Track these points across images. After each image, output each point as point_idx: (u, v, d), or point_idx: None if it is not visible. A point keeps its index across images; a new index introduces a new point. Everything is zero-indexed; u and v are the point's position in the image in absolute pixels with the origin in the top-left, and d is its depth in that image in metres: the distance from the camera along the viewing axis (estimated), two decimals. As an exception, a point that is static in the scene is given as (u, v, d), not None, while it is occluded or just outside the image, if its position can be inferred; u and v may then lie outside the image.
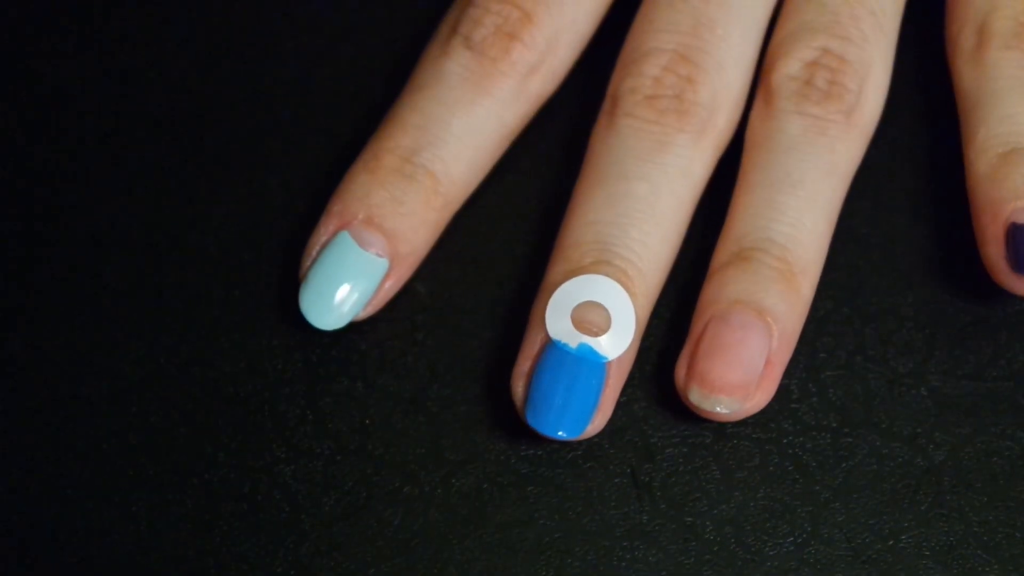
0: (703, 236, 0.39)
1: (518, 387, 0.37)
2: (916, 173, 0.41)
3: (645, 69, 0.39)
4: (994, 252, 0.38)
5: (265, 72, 0.43)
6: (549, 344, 0.36)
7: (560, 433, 0.36)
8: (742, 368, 0.36)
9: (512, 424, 0.37)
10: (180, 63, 0.43)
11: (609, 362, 0.36)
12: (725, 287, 0.37)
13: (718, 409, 0.36)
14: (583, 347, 0.36)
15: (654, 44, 0.39)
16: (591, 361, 0.36)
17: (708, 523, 0.37)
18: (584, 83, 0.42)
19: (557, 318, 0.36)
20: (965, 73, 0.40)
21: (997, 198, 0.38)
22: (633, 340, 0.37)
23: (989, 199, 0.38)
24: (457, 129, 0.39)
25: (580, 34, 0.40)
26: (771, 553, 0.36)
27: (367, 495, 0.37)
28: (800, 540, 0.36)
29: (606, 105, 0.39)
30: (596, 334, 0.36)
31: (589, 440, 0.37)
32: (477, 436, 0.38)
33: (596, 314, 0.36)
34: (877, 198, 0.40)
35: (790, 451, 0.37)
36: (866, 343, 0.39)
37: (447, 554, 0.36)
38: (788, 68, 0.39)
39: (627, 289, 0.37)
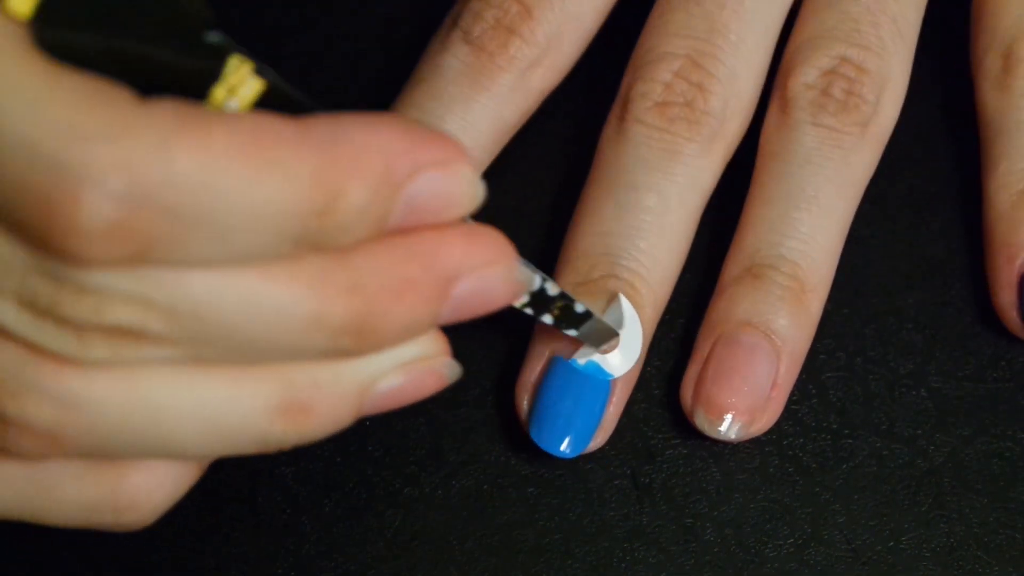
0: (707, 240, 0.39)
1: (523, 400, 0.37)
2: (917, 174, 0.41)
3: (657, 74, 0.38)
4: (1006, 298, 0.38)
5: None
6: (557, 359, 0.36)
7: (563, 450, 0.36)
8: (749, 393, 0.36)
9: (512, 426, 0.37)
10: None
11: (615, 379, 0.36)
12: (734, 306, 0.37)
13: (721, 431, 0.36)
14: (591, 364, 0.36)
15: (667, 48, 0.39)
16: (597, 379, 0.36)
17: (708, 524, 0.37)
18: (585, 81, 0.41)
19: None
20: (990, 98, 0.40)
21: (1014, 241, 0.38)
22: (640, 356, 0.37)
23: (1006, 241, 0.38)
24: (453, 126, 0.38)
25: (584, 29, 0.40)
26: (771, 555, 0.36)
27: (368, 496, 0.37)
28: (800, 541, 0.36)
29: (616, 108, 0.39)
30: (605, 351, 0.36)
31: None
32: (477, 437, 0.38)
33: None
34: (878, 199, 0.40)
35: (790, 452, 0.37)
36: (866, 344, 0.39)
37: (447, 555, 0.36)
38: (805, 76, 0.39)
39: (635, 303, 0.37)
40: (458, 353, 0.38)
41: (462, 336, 0.39)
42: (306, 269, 0.26)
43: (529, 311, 0.33)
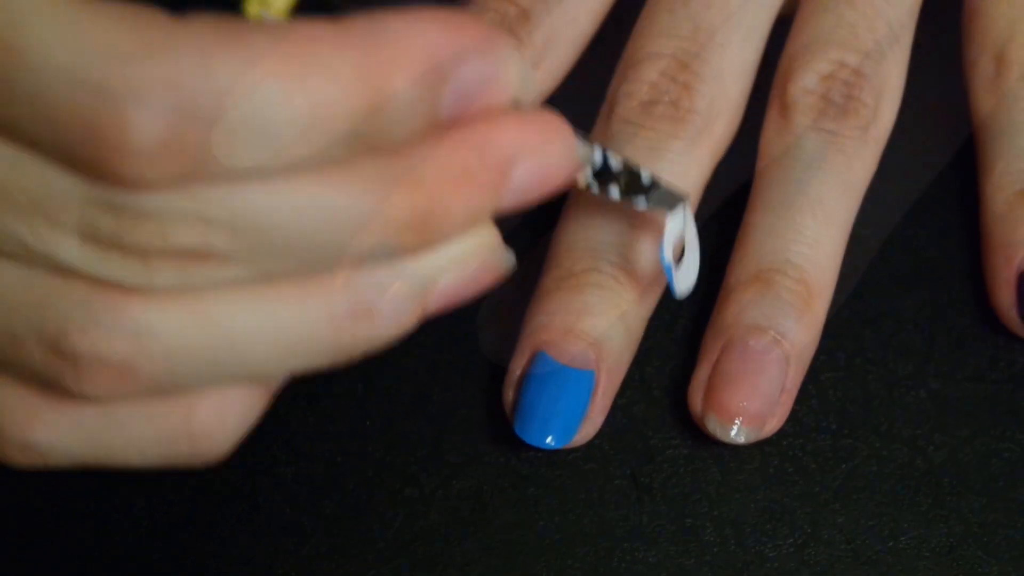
0: (705, 243, 0.39)
1: (508, 395, 0.37)
2: (915, 175, 0.41)
3: (642, 74, 0.39)
4: (1005, 298, 0.38)
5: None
6: (540, 353, 0.36)
7: (548, 441, 0.36)
8: (761, 398, 0.36)
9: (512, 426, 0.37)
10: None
11: (599, 370, 0.36)
12: (744, 310, 0.37)
13: (732, 436, 0.36)
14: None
15: (652, 49, 0.39)
16: (580, 371, 0.36)
17: (708, 524, 0.37)
18: (584, 83, 0.42)
19: None
20: (984, 101, 0.40)
21: (1012, 241, 0.38)
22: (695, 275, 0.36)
23: (1003, 240, 0.38)
24: None
25: (580, 32, 0.40)
26: (771, 555, 0.36)
27: (368, 497, 0.37)
28: (800, 541, 0.37)
29: (604, 109, 0.39)
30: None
31: (590, 442, 0.37)
32: (478, 438, 0.38)
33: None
34: (876, 200, 0.40)
35: (790, 453, 0.38)
36: (865, 345, 0.39)
37: (448, 556, 0.36)
38: (805, 81, 0.39)
39: (620, 297, 0.37)
40: (459, 354, 0.39)
41: (463, 338, 0.39)
42: (362, 169, 0.26)
43: (595, 189, 0.32)
